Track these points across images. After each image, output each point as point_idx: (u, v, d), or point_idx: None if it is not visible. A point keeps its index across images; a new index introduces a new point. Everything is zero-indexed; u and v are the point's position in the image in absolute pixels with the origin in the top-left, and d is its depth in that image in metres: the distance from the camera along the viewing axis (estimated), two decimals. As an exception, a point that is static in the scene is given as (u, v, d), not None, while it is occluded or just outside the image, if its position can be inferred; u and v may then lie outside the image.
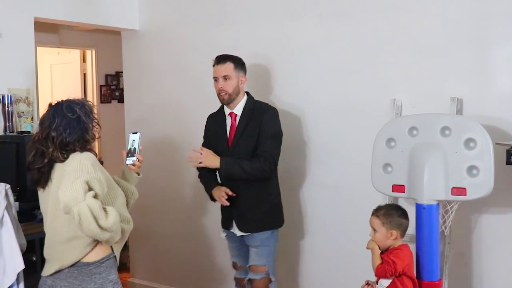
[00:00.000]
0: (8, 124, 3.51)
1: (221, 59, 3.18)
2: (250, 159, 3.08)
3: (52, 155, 2.28)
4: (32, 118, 3.68)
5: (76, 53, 6.60)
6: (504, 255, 3.01)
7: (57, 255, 2.35)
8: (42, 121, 2.34)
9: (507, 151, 2.62)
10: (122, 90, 5.51)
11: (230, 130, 3.21)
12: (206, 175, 3.28)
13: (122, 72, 4.92)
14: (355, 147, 3.42)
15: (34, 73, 3.91)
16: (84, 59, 6.65)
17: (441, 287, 2.74)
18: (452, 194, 2.64)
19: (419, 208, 2.71)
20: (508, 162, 2.61)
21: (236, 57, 3.22)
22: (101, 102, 6.51)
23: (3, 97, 3.51)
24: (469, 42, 3.06)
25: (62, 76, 6.63)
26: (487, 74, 3.05)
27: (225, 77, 3.13)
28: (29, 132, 3.55)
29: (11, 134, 3.51)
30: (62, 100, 2.37)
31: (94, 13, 4.23)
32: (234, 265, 3.38)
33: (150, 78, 4.49)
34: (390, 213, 2.65)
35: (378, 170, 2.87)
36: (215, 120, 3.30)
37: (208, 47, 4.10)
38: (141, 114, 4.58)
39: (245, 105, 3.19)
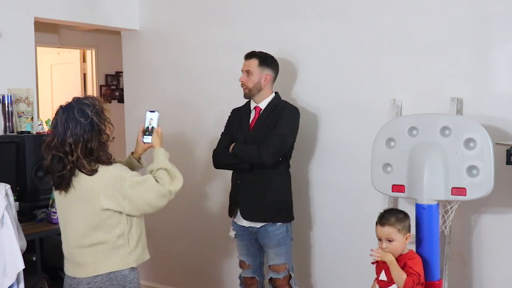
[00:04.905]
0: (8, 124, 3.51)
1: (248, 55, 3.30)
2: (254, 145, 3.15)
3: (77, 164, 2.28)
4: (32, 118, 3.67)
5: (76, 53, 6.61)
6: (504, 255, 3.01)
7: (85, 258, 2.36)
8: (55, 125, 2.32)
9: (507, 151, 2.62)
10: (122, 90, 5.51)
11: (252, 121, 3.30)
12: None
13: (122, 72, 4.92)
14: (355, 147, 3.42)
15: (34, 73, 3.91)
16: (84, 59, 6.67)
17: (441, 287, 2.74)
18: (452, 194, 2.64)
19: (419, 208, 2.70)
20: (508, 162, 2.61)
21: (264, 54, 3.29)
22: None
23: (3, 97, 3.51)
24: (469, 42, 3.06)
25: (62, 76, 6.64)
26: (487, 74, 3.05)
27: (247, 72, 3.25)
28: (29, 132, 3.55)
29: (11, 134, 3.50)
30: (72, 102, 2.34)
31: (94, 13, 4.23)
32: (241, 264, 3.38)
33: (150, 78, 4.49)
34: (399, 217, 2.60)
35: (378, 170, 2.87)
36: (240, 112, 3.39)
37: (208, 47, 4.11)
38: (141, 114, 4.54)
39: (271, 101, 3.29)
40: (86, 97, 2.39)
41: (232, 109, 3.47)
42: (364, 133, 3.30)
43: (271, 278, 3.27)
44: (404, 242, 2.59)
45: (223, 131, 3.42)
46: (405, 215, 2.64)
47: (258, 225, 3.21)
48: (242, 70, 3.29)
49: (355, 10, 3.43)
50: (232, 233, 3.36)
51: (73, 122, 2.27)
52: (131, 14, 4.49)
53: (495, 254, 3.03)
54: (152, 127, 2.66)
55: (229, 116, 3.46)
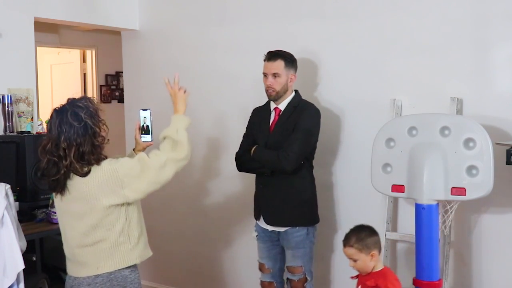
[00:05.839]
0: (8, 124, 3.51)
1: (272, 56, 3.14)
2: (273, 150, 3.09)
3: (70, 168, 2.27)
4: (32, 118, 3.67)
5: (76, 53, 6.61)
6: (504, 255, 3.01)
7: (86, 257, 2.36)
8: (50, 129, 2.32)
9: (507, 151, 2.62)
10: (122, 90, 5.51)
11: (272, 123, 3.22)
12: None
13: (122, 72, 4.93)
14: (355, 147, 3.42)
15: (34, 73, 3.91)
16: (84, 59, 6.67)
17: (441, 287, 2.74)
18: (451, 194, 2.64)
19: (418, 208, 2.70)
20: (508, 162, 2.61)
21: (288, 54, 3.17)
22: (101, 102, 6.51)
23: (3, 97, 3.51)
24: (469, 42, 3.06)
25: (62, 76, 6.65)
26: (487, 74, 3.05)
27: (275, 75, 3.11)
28: (29, 132, 3.55)
29: (11, 134, 3.50)
30: (66, 105, 2.32)
31: (94, 13, 4.23)
32: (261, 267, 3.30)
33: (150, 78, 4.49)
34: (361, 236, 2.55)
35: (378, 170, 2.87)
36: (260, 113, 3.31)
37: (208, 47, 4.11)
38: (141, 114, 4.57)
39: (290, 101, 3.19)
40: (80, 99, 2.36)
41: (253, 108, 3.39)
42: (364, 133, 3.30)
43: (288, 278, 3.22)
44: (369, 260, 2.54)
45: (245, 132, 3.36)
46: (370, 233, 2.58)
47: (282, 229, 3.17)
48: (266, 73, 3.14)
49: (355, 10, 3.44)
50: (254, 234, 3.31)
51: (67, 126, 2.26)
52: (131, 14, 4.49)
53: (495, 254, 3.03)
54: (147, 126, 2.68)
55: (250, 117, 3.38)
